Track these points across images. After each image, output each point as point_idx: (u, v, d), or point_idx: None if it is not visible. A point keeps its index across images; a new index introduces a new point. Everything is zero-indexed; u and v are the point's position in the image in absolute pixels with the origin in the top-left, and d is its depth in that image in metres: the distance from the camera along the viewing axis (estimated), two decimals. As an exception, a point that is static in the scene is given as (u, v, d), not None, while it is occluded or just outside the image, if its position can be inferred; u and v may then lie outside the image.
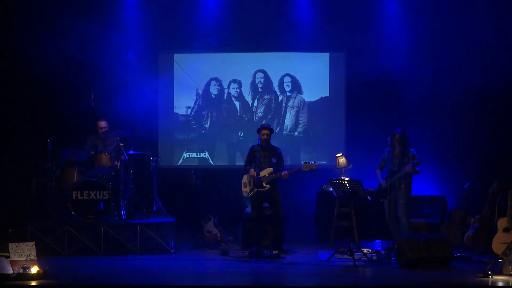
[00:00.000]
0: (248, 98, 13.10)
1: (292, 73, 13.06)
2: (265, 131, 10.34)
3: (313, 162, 10.25)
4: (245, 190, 10.38)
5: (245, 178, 10.41)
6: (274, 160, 10.35)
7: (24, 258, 8.39)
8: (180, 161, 13.02)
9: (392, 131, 10.41)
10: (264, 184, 10.22)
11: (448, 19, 12.40)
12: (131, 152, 10.95)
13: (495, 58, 11.97)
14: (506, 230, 9.61)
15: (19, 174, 11.64)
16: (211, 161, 13.06)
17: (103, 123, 11.10)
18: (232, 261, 9.70)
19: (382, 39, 12.59)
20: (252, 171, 10.31)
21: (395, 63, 12.45)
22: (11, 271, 8.24)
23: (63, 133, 11.43)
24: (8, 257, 8.35)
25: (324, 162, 12.76)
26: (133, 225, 10.51)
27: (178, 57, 13.04)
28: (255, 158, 10.32)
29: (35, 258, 8.43)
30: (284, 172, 10.17)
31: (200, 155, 13.06)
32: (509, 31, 11.94)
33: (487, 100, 12.22)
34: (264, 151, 10.37)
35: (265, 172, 10.27)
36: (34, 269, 8.31)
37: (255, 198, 10.27)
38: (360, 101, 12.85)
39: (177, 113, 13.09)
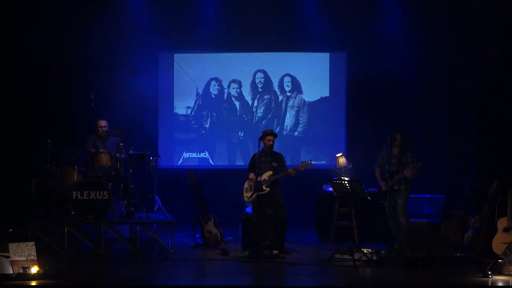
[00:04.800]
0: (248, 98, 13.10)
1: (292, 73, 13.07)
2: (270, 137, 10.34)
3: (309, 161, 10.26)
4: (246, 195, 10.46)
5: (246, 184, 10.48)
6: (274, 164, 10.36)
7: (24, 258, 8.38)
8: (180, 161, 13.02)
9: (392, 131, 10.40)
10: (264, 188, 10.23)
11: (447, 18, 12.40)
12: (131, 152, 10.95)
13: (495, 57, 11.97)
14: (506, 230, 9.60)
15: (19, 174, 11.64)
16: (211, 161, 13.06)
17: (103, 123, 11.10)
18: (232, 261, 9.69)
19: (382, 39, 12.60)
20: (252, 175, 10.34)
21: (395, 63, 12.46)
22: (11, 271, 8.24)
23: (63, 133, 11.43)
24: (8, 257, 8.34)
25: (324, 162, 12.78)
26: (133, 225, 10.54)
27: (178, 57, 13.05)
28: (256, 164, 10.31)
29: (35, 258, 8.43)
30: (290, 170, 10.18)
31: (200, 155, 13.06)
32: (508, 30, 11.94)
33: (488, 100, 12.21)
34: (266, 156, 10.37)
35: (265, 176, 10.28)
36: (34, 269, 8.30)
37: (256, 202, 10.27)
38: (360, 101, 12.87)
39: (177, 113, 13.09)
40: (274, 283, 8.79)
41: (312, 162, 10.32)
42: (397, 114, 12.50)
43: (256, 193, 10.20)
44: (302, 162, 10.28)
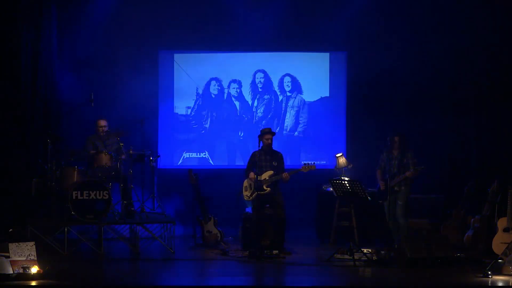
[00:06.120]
0: (248, 98, 13.10)
1: (292, 73, 13.06)
2: (268, 136, 10.36)
3: (312, 163, 10.26)
4: (246, 193, 10.43)
5: (245, 182, 10.47)
6: (275, 163, 10.36)
7: (24, 258, 8.39)
8: (180, 161, 13.02)
9: (391, 132, 10.41)
10: (264, 187, 10.23)
11: (448, 17, 12.40)
12: (131, 152, 10.95)
13: (496, 57, 11.96)
14: (506, 230, 9.61)
15: (19, 174, 11.62)
16: (211, 161, 13.06)
17: (102, 122, 11.09)
18: (232, 261, 9.69)
19: (382, 39, 12.59)
20: (252, 174, 10.34)
21: (395, 63, 12.45)
22: (11, 271, 8.24)
23: (63, 133, 11.42)
24: (8, 257, 8.34)
25: (324, 162, 12.77)
26: (133, 225, 10.54)
27: (178, 57, 13.04)
28: (256, 162, 10.32)
29: (35, 258, 8.43)
30: (284, 174, 10.18)
31: (200, 155, 13.06)
32: (508, 29, 11.93)
33: (487, 100, 12.21)
34: (266, 155, 10.38)
35: (265, 175, 10.27)
36: (34, 269, 8.30)
37: (256, 201, 10.27)
38: (360, 101, 12.86)
39: (177, 113, 13.09)
40: (274, 283, 8.80)
41: (312, 162, 10.33)
42: (397, 114, 12.49)
43: (257, 193, 10.21)
44: (305, 164, 10.26)
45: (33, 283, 8.15)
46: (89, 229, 10.39)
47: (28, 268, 8.29)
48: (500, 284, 8.35)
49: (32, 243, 8.55)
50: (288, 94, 13.07)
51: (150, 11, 12.61)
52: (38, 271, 8.31)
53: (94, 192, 10.08)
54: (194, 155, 13.07)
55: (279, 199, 10.31)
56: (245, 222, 10.65)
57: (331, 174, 11.41)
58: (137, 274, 9.03)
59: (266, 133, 10.39)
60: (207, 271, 9.41)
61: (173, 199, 11.97)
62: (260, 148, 10.32)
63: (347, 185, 9.95)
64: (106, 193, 10.11)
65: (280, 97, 13.09)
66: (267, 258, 9.71)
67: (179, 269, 9.43)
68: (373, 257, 9.65)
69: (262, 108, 13.09)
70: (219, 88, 13.07)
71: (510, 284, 8.31)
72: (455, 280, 8.60)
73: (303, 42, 12.86)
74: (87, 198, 10.07)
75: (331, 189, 10.44)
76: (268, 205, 10.43)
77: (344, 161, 11.28)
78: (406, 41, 12.51)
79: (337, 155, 11.36)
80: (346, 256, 9.61)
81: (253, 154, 10.50)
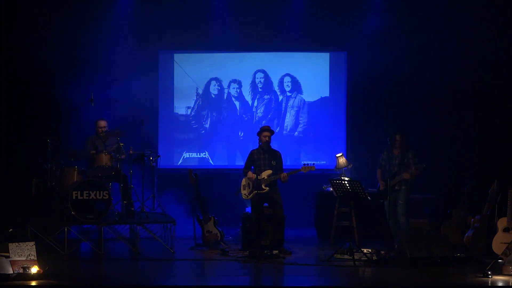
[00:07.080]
0: (248, 98, 13.10)
1: (292, 73, 13.06)
2: (266, 133, 10.34)
3: (312, 164, 10.24)
4: (244, 192, 10.40)
5: (244, 181, 10.44)
6: (273, 162, 10.34)
7: (24, 258, 8.39)
8: (180, 161, 13.02)
9: (392, 132, 10.41)
10: (263, 187, 10.22)
11: (448, 17, 12.40)
12: (131, 152, 10.95)
13: (496, 57, 11.96)
14: (506, 230, 9.61)
15: (19, 174, 11.63)
16: (211, 161, 13.06)
17: (102, 123, 11.09)
18: (232, 261, 9.69)
19: (382, 39, 12.59)
20: (250, 173, 10.32)
21: (395, 63, 12.46)
22: (11, 271, 8.24)
23: (63, 133, 11.42)
24: (8, 257, 8.34)
25: (324, 162, 12.77)
26: (133, 225, 10.54)
27: (178, 57, 13.04)
28: (254, 161, 10.32)
29: (35, 258, 8.44)
30: (283, 174, 10.16)
31: (200, 155, 13.06)
32: (507, 30, 11.93)
33: (488, 100, 12.21)
34: (264, 153, 10.36)
35: (264, 175, 10.26)
36: (34, 269, 8.31)
37: (255, 200, 10.26)
38: (360, 101, 12.87)
39: (177, 113, 13.09)
40: (274, 283, 8.80)
41: (312, 162, 10.33)
42: (397, 113, 12.50)
43: (255, 192, 10.20)
44: (305, 164, 10.24)
45: (33, 283, 8.15)
46: (89, 229, 10.38)
47: (28, 268, 8.29)
48: (500, 284, 8.35)
49: (32, 243, 8.55)
50: (288, 94, 13.08)
51: (149, 11, 12.62)
52: (38, 271, 8.32)
53: (94, 192, 10.08)
54: (194, 155, 13.07)
55: (278, 198, 10.30)
56: (245, 222, 10.64)
57: (331, 174, 11.41)
58: (137, 274, 9.03)
59: (265, 130, 10.38)
60: (207, 271, 9.41)
61: (173, 199, 11.97)
62: (258, 146, 10.32)
63: (347, 185, 9.95)
64: (106, 193, 10.11)
65: (280, 97, 13.10)
66: (267, 258, 9.71)
67: (179, 269, 9.43)
68: (373, 257, 9.64)
69: (262, 108, 13.09)
70: (219, 88, 13.07)
71: (510, 284, 8.31)
72: (455, 280, 8.60)
73: (303, 42, 12.86)
74: (87, 198, 10.07)
75: (331, 189, 10.44)
76: (267, 204, 10.43)
77: (344, 161, 11.28)
78: (406, 41, 12.51)
79: (337, 155, 11.36)
80: (346, 256, 9.61)
81: (252, 153, 10.48)
